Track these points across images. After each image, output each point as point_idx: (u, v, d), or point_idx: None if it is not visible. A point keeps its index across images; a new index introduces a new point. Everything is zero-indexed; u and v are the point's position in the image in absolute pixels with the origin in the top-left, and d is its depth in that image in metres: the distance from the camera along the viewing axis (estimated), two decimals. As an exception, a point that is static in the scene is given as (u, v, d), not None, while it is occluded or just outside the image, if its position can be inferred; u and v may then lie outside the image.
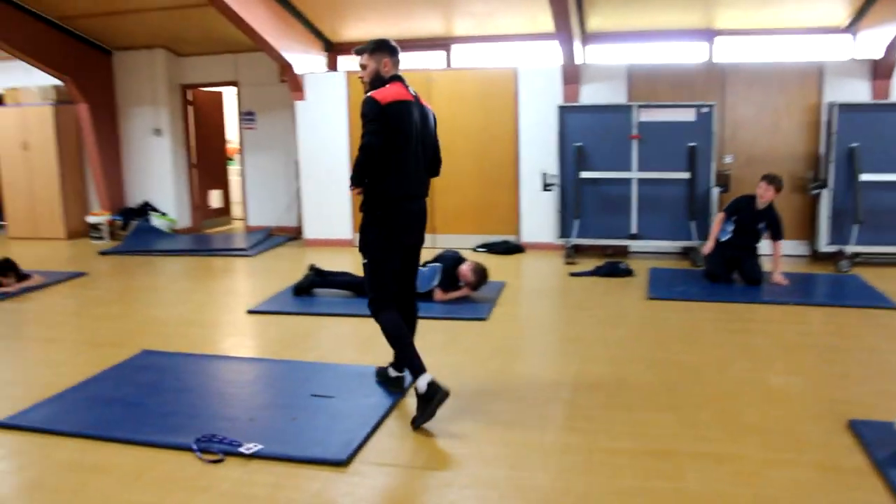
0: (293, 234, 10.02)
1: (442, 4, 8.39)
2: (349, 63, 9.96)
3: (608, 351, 5.00)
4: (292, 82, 9.09)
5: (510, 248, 8.56)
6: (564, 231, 8.12)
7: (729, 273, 6.89)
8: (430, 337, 5.16)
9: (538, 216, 8.60)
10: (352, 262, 8.05)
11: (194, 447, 3.54)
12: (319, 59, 9.52)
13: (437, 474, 3.30)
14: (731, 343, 5.13)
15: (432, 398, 3.67)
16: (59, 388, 4.46)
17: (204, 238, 10.43)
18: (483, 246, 8.62)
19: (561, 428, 3.75)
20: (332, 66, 9.83)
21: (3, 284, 7.22)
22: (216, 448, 3.53)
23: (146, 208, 10.79)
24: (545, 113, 8.27)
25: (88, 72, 10.22)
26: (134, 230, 10.30)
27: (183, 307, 6.58)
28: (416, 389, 3.74)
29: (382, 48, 3.92)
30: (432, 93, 8.59)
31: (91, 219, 10.56)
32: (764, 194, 6.68)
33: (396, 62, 3.96)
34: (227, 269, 8.32)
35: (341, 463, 3.37)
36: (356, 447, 3.51)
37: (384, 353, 4.40)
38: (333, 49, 9.78)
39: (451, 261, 6.38)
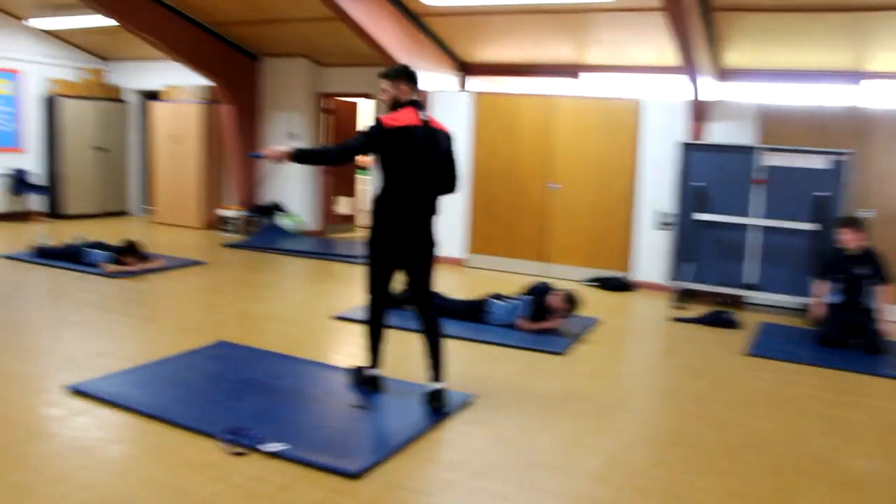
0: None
1: (573, 31, 8.26)
2: (479, 84, 10.01)
3: (677, 404, 4.70)
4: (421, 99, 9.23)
5: (620, 286, 8.26)
6: (676, 273, 7.74)
7: (846, 338, 6.29)
8: (501, 365, 5.11)
9: (652, 255, 8.25)
10: (454, 284, 8.05)
11: (222, 437, 3.62)
12: (450, 78, 9.62)
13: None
14: (819, 414, 4.67)
15: (364, 384, 4.47)
16: (135, 363, 4.72)
17: (325, 242, 10.75)
18: (594, 280, 8.36)
19: (593, 477, 3.53)
20: (464, 85, 9.91)
21: (126, 264, 7.75)
22: (242, 441, 3.59)
23: (275, 208, 11.27)
24: (668, 149, 7.94)
25: (236, 75, 10.83)
26: (263, 227, 10.78)
27: (278, 304, 6.79)
28: (360, 370, 4.51)
29: (402, 76, 4.24)
30: (554, 119, 8.47)
31: (224, 212, 11.16)
32: (846, 240, 6.15)
33: (414, 88, 4.27)
34: (333, 273, 8.54)
35: (353, 476, 3.33)
36: (372, 464, 3.46)
37: (451, 374, 4.36)
38: (467, 69, 9.86)
39: (539, 292, 6.24)
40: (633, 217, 8.38)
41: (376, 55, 8.50)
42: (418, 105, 4.24)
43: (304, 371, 4.89)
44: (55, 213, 11.64)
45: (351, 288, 7.68)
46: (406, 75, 4.24)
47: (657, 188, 8.12)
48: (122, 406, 4.03)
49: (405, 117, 4.14)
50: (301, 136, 11.07)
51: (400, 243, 4.23)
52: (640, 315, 7.39)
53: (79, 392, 4.20)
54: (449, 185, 4.38)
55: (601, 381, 5.11)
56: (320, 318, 6.40)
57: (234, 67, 10.80)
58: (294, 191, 11.24)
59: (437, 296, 6.52)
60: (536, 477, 3.48)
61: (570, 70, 9.19)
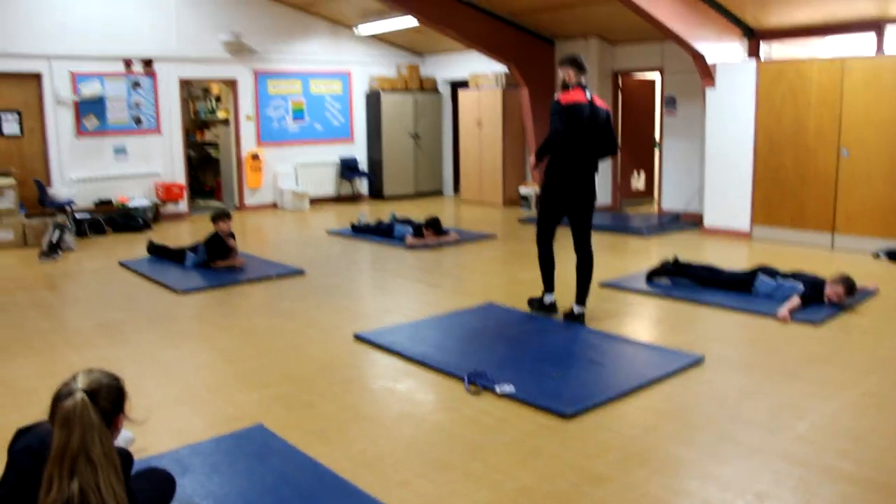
0: (696, 221, 10.02)
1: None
2: (773, 49, 9.52)
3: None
4: (703, 71, 9.07)
5: (920, 258, 7.45)
6: None
7: None
8: (750, 332, 5.20)
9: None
10: (737, 257, 7.93)
11: (465, 378, 4.20)
12: (736, 46, 9.28)
13: (646, 447, 3.43)
14: None
15: (547, 309, 5.68)
16: (412, 319, 5.55)
17: (617, 216, 10.98)
18: (889, 253, 7.63)
19: (797, 437, 3.50)
20: (754, 52, 9.49)
21: (425, 236, 8.75)
22: (480, 382, 4.14)
23: (570, 185, 11.74)
24: None
25: (531, 59, 11.46)
26: (555, 203, 11.32)
27: (549, 273, 7.24)
28: (543, 299, 5.70)
29: (569, 63, 5.30)
30: (846, 81, 7.86)
31: (522, 190, 11.90)
32: None
33: (579, 72, 5.30)
34: (613, 245, 8.77)
35: (565, 416, 3.70)
36: (585, 407, 3.79)
37: (696, 336, 4.52)
38: (756, 36, 9.43)
39: (813, 286, 5.88)
40: (945, 183, 7.50)
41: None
42: (583, 86, 5.27)
43: (554, 330, 5.31)
44: (377, 195, 13.33)
45: (623, 258, 7.90)
46: (572, 63, 5.30)
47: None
48: (391, 350, 4.82)
49: (574, 96, 5.21)
50: (592, 114, 11.39)
51: (570, 194, 5.37)
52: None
53: (362, 339, 5.08)
54: (609, 149, 5.47)
55: (845, 353, 4.79)
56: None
57: (531, 52, 11.44)
58: (586, 168, 11.61)
59: (705, 268, 6.59)
60: (738, 431, 3.56)
61: (874, 25, 8.38)
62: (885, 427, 3.64)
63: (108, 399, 2.27)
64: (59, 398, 2.22)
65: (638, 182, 12.29)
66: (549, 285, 5.71)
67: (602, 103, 5.39)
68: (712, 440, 3.49)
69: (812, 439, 3.49)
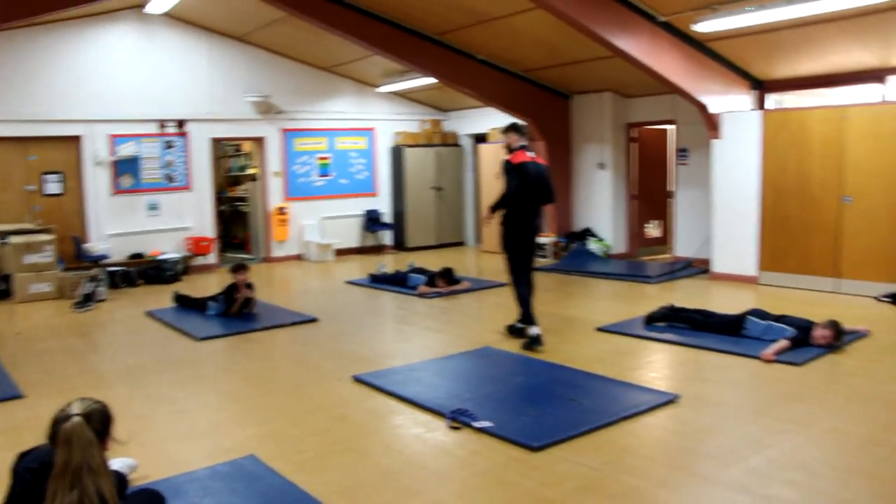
0: (705, 268, 10.22)
1: (879, 36, 7.76)
2: (778, 99, 9.81)
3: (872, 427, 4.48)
4: (708, 122, 9.39)
5: (919, 304, 7.57)
6: None
7: None
8: (730, 374, 5.39)
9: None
10: (740, 302, 8.13)
11: (447, 415, 4.51)
12: (744, 98, 9.59)
13: (606, 477, 3.69)
14: None
15: (533, 343, 6.22)
16: (410, 362, 5.89)
17: (631, 264, 11.21)
18: (888, 296, 7.77)
19: (751, 471, 3.72)
20: (762, 103, 9.78)
21: (437, 286, 9.11)
22: (461, 419, 4.45)
23: (586, 233, 12.05)
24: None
25: (547, 113, 11.90)
26: (571, 252, 11.64)
27: (550, 318, 7.51)
28: (528, 332, 6.33)
29: (511, 130, 6.55)
30: (847, 129, 8.10)
31: (539, 240, 12.19)
32: None
33: (521, 136, 6.52)
34: (622, 292, 9.01)
35: (533, 448, 3.99)
36: (553, 441, 4.07)
37: (678, 377, 4.76)
38: (763, 87, 9.74)
39: (802, 328, 6.09)
40: (942, 229, 7.65)
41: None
42: (526, 147, 6.44)
43: (544, 371, 5.57)
44: (401, 245, 13.76)
45: (627, 304, 8.13)
46: (514, 129, 6.54)
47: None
48: (385, 391, 5.16)
49: (520, 157, 6.38)
50: (608, 165, 11.75)
51: (525, 236, 6.50)
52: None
53: (359, 380, 5.42)
54: (548, 198, 6.57)
55: (820, 392, 4.95)
56: (584, 330, 7.00)
57: (546, 107, 11.89)
58: (604, 216, 11.93)
59: (701, 312, 6.82)
60: (693, 463, 3.80)
61: (875, 75, 8.63)
62: (840, 460, 3.84)
63: (100, 421, 2.70)
64: (57, 422, 2.64)
65: (654, 230, 12.55)
66: (531, 318, 6.42)
67: (541, 160, 6.61)
68: (665, 471, 3.74)
69: (763, 471, 3.71)
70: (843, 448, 4.00)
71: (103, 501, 2.60)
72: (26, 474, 2.74)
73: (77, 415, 2.67)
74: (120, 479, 3.14)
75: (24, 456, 2.86)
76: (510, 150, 6.49)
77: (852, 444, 4.04)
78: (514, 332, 6.72)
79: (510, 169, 6.31)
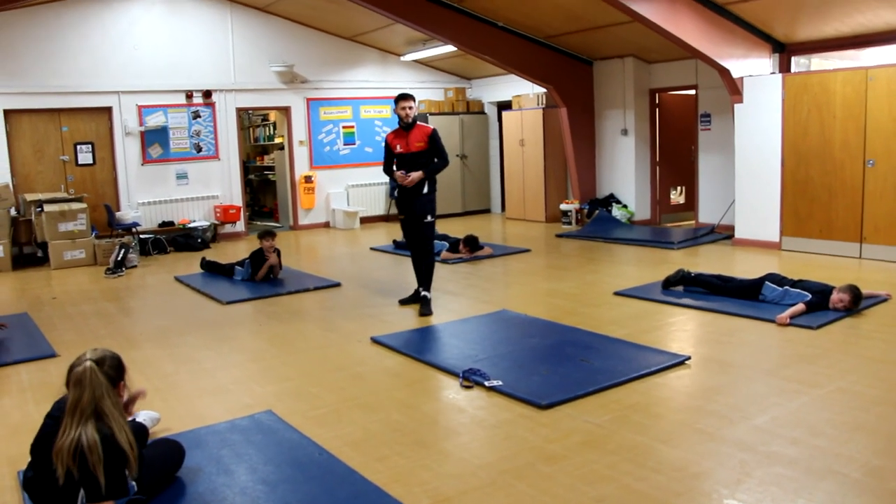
0: (729, 234, 10.19)
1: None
2: (814, 63, 9.68)
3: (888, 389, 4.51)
4: (730, 86, 9.31)
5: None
6: None
7: None
8: (743, 335, 5.45)
9: None
10: (761, 268, 8.13)
11: (460, 374, 4.64)
12: (766, 61, 9.48)
13: (608, 432, 3.80)
14: None
15: (428, 303, 6.57)
16: (430, 323, 6.08)
17: (654, 230, 11.21)
18: (912, 261, 7.73)
19: (754, 428, 3.80)
20: (785, 67, 9.67)
21: (460, 252, 9.21)
22: (473, 378, 4.57)
23: (610, 200, 12.06)
24: None
25: (570, 80, 11.86)
26: (594, 218, 11.65)
27: (569, 283, 7.60)
28: (425, 295, 6.62)
29: (411, 98, 6.49)
30: (870, 91, 7.99)
31: (563, 206, 12.25)
32: None
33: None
34: (639, 258, 9.05)
35: (541, 406, 4.10)
36: (562, 400, 4.18)
37: (692, 339, 4.83)
38: (786, 50, 9.62)
39: (820, 294, 6.10)
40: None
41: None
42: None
43: (558, 333, 5.67)
44: (426, 213, 13.84)
45: (647, 269, 8.16)
46: (413, 98, 6.52)
47: None
48: (401, 351, 5.31)
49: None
50: (630, 131, 11.71)
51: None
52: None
53: (377, 342, 5.57)
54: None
55: (833, 354, 4.97)
56: (602, 294, 7.06)
57: (568, 73, 11.84)
58: (627, 183, 11.92)
59: (719, 276, 6.85)
60: (697, 421, 3.88)
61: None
62: (844, 420, 3.89)
63: (112, 367, 2.88)
64: (72, 368, 2.84)
65: (678, 196, 12.51)
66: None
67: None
68: (669, 428, 3.83)
69: (766, 429, 3.78)
70: (847, 407, 4.05)
71: (112, 445, 2.73)
72: (48, 420, 2.94)
73: (89, 360, 2.85)
74: (141, 429, 3.32)
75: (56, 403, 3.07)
76: (414, 120, 6.51)
77: (858, 404, 4.09)
78: (414, 299, 6.85)
79: (439, 136, 6.52)
